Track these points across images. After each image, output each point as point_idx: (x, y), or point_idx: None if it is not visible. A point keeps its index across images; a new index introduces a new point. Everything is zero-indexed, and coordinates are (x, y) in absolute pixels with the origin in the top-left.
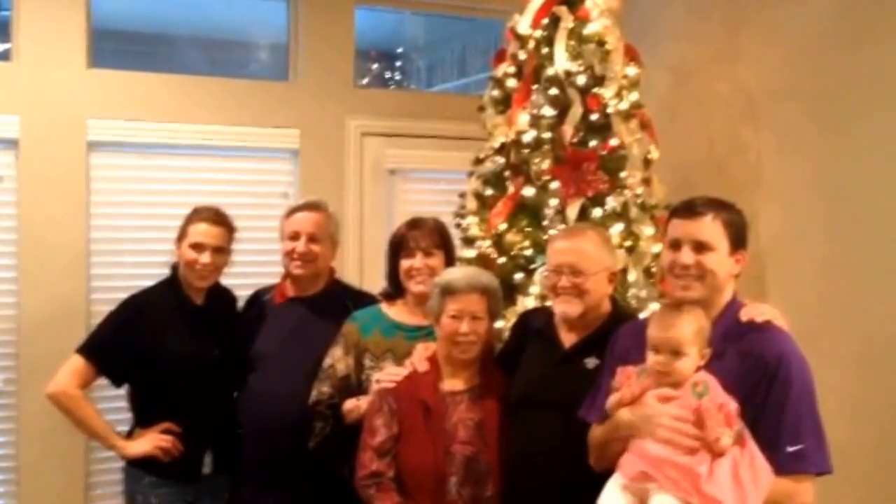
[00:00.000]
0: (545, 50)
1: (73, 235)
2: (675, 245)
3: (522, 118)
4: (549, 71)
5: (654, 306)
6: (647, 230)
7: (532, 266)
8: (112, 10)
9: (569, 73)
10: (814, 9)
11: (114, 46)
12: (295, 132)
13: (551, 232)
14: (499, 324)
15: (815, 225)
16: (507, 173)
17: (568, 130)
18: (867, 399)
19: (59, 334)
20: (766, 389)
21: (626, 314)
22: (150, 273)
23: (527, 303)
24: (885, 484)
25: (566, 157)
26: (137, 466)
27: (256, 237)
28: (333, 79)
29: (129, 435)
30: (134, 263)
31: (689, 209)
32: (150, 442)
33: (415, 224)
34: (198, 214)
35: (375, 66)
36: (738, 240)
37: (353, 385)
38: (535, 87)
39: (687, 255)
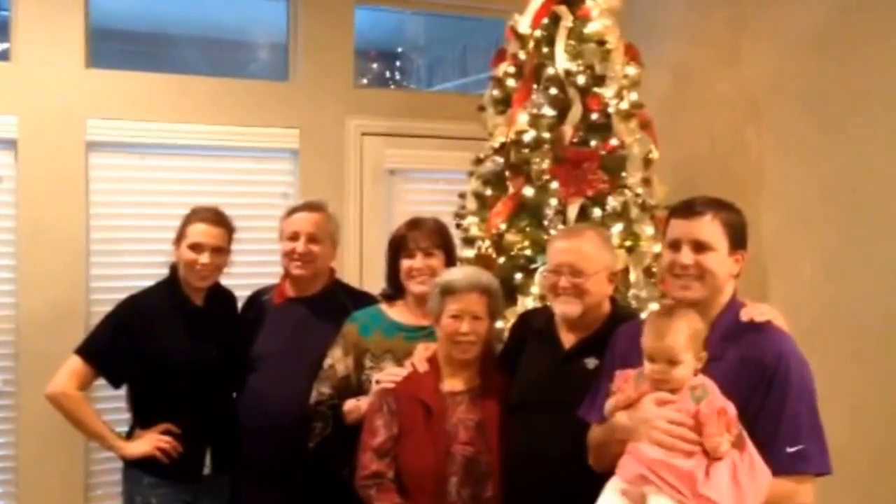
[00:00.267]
0: (545, 49)
1: (72, 236)
2: (675, 245)
3: (522, 118)
4: (550, 70)
5: (655, 306)
6: (648, 230)
7: (532, 266)
8: (111, 10)
9: (569, 73)
10: (815, 8)
11: (113, 46)
12: (294, 132)
13: (552, 232)
14: (499, 324)
15: (817, 225)
16: (507, 173)
17: (568, 130)
18: (868, 400)
19: (59, 335)
20: (766, 390)
21: (627, 314)
22: (150, 273)
23: (527, 303)
24: (885, 485)
25: (566, 156)
26: (137, 467)
27: (256, 237)
28: (333, 78)
29: (129, 436)
30: (133, 264)
31: (688, 209)
32: (150, 443)
33: (415, 224)
34: (197, 215)
35: (375, 65)
36: (738, 240)
37: (353, 385)
38: (535, 86)
39: (686, 255)
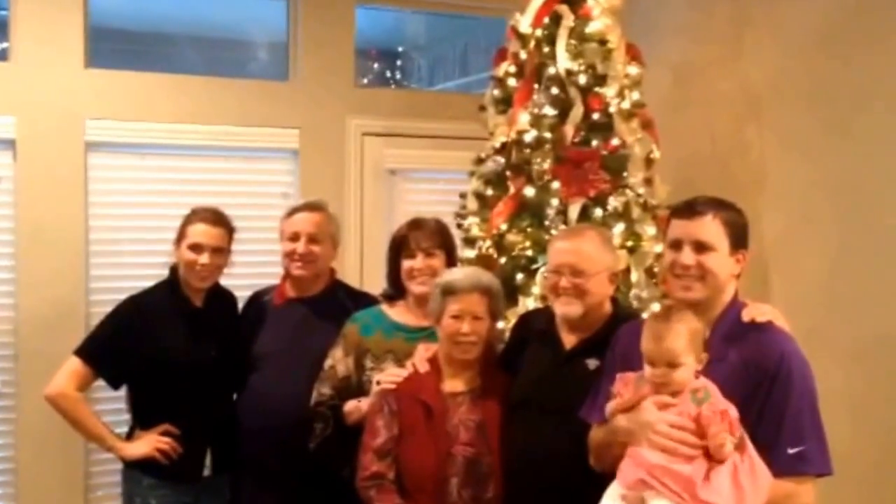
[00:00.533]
0: (546, 49)
1: (71, 236)
2: (676, 245)
3: (523, 117)
4: (551, 70)
5: (657, 307)
6: (649, 230)
7: (533, 266)
8: (110, 10)
9: (570, 72)
10: (817, 7)
11: (112, 46)
12: (295, 132)
13: (553, 232)
14: (500, 324)
15: (818, 224)
16: (508, 173)
17: (569, 130)
18: (870, 400)
19: (58, 335)
20: (768, 390)
21: (628, 315)
22: (149, 274)
23: (528, 303)
24: (887, 485)
25: (567, 156)
26: (136, 468)
27: (256, 238)
28: (333, 78)
29: (129, 436)
30: (132, 264)
31: (689, 209)
32: (149, 444)
33: (416, 224)
34: (196, 215)
35: (376, 65)
36: (739, 239)
37: (354, 386)
38: (536, 86)
39: (687, 256)
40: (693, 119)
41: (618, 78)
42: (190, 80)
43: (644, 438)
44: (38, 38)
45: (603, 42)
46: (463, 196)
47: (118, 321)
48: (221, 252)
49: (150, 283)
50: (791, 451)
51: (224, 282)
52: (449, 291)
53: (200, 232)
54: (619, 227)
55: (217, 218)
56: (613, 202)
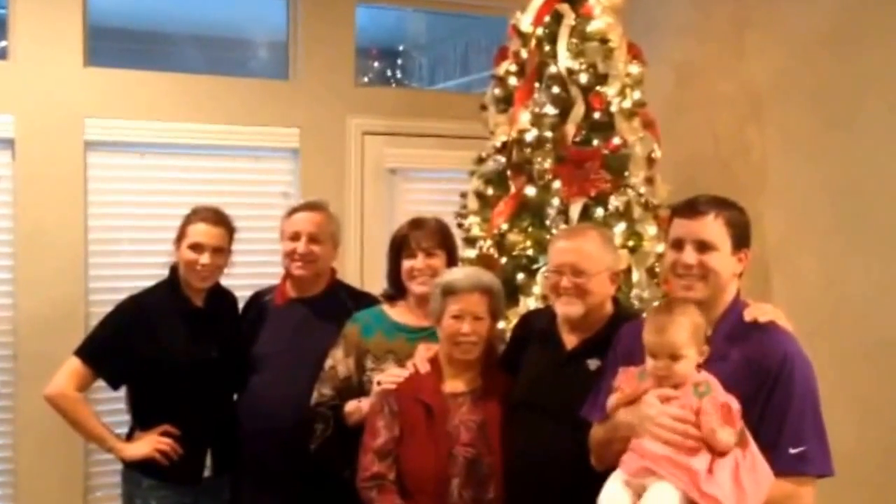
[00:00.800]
0: (547, 48)
1: (70, 236)
2: (678, 245)
3: (524, 117)
4: (552, 69)
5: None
6: (651, 230)
7: (534, 266)
8: (109, 8)
9: (571, 72)
10: (819, 6)
11: (111, 45)
12: (295, 131)
13: (554, 232)
14: (501, 324)
15: (820, 224)
16: (509, 173)
17: (570, 129)
18: (872, 400)
19: (57, 335)
20: (770, 391)
21: (629, 315)
22: (149, 273)
23: (529, 303)
24: (891, 485)
25: (568, 156)
26: (136, 469)
27: (256, 237)
28: (334, 77)
29: (128, 437)
30: (132, 264)
31: (691, 208)
32: (149, 444)
33: (417, 224)
34: (197, 215)
35: (376, 64)
36: (741, 239)
37: (355, 386)
38: (537, 85)
39: (689, 255)
40: (694, 118)
41: (619, 77)
42: (189, 79)
43: (646, 431)
44: (38, 37)
45: (604, 41)
46: (464, 195)
47: (118, 321)
48: (222, 252)
49: (149, 283)
50: (792, 451)
51: (224, 281)
52: (449, 291)
53: (201, 232)
54: (620, 227)
55: (218, 218)
56: (614, 202)
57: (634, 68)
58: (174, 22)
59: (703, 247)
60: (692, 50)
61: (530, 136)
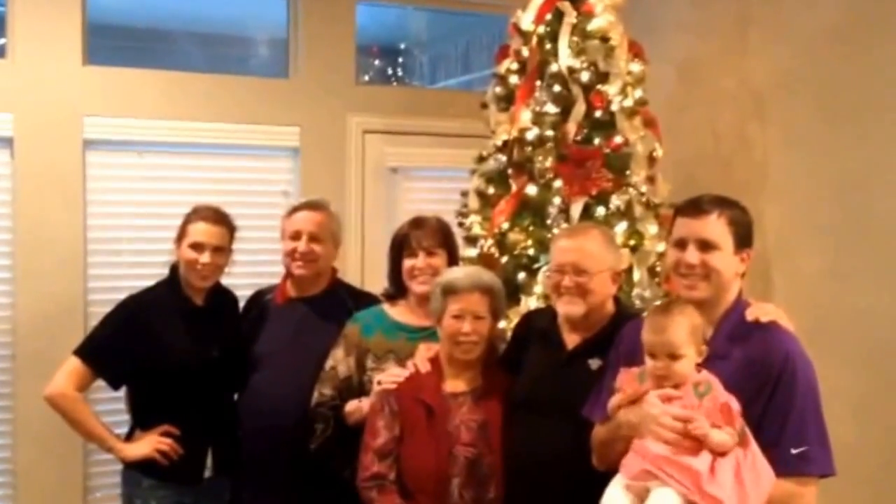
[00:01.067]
0: (548, 46)
1: (69, 235)
2: (681, 244)
3: (525, 115)
4: (553, 67)
5: None
6: (652, 228)
7: (535, 265)
8: (108, 6)
9: (572, 70)
10: (822, 4)
11: (110, 43)
12: (295, 130)
13: (555, 231)
14: (502, 324)
15: (822, 222)
16: (510, 171)
17: (571, 128)
18: (873, 400)
19: (56, 334)
20: (772, 391)
21: (631, 314)
22: (148, 273)
23: (530, 303)
24: (892, 485)
25: (570, 154)
26: (136, 469)
27: (256, 236)
28: (334, 75)
29: (128, 437)
30: (131, 263)
31: (694, 207)
32: (149, 444)
33: (417, 223)
34: (197, 214)
35: (377, 62)
36: (744, 238)
37: (355, 386)
38: (538, 83)
39: (692, 255)
40: (696, 117)
41: (620, 75)
42: (189, 78)
43: (648, 431)
44: (36, 35)
45: (605, 39)
46: (464, 194)
47: (118, 320)
48: (222, 251)
49: (148, 282)
50: (794, 451)
51: (224, 280)
52: (450, 291)
53: (201, 231)
54: (621, 226)
55: (218, 217)
56: (616, 200)
57: (636, 66)
58: (174, 20)
59: (705, 246)
60: (693, 48)
61: (531, 134)
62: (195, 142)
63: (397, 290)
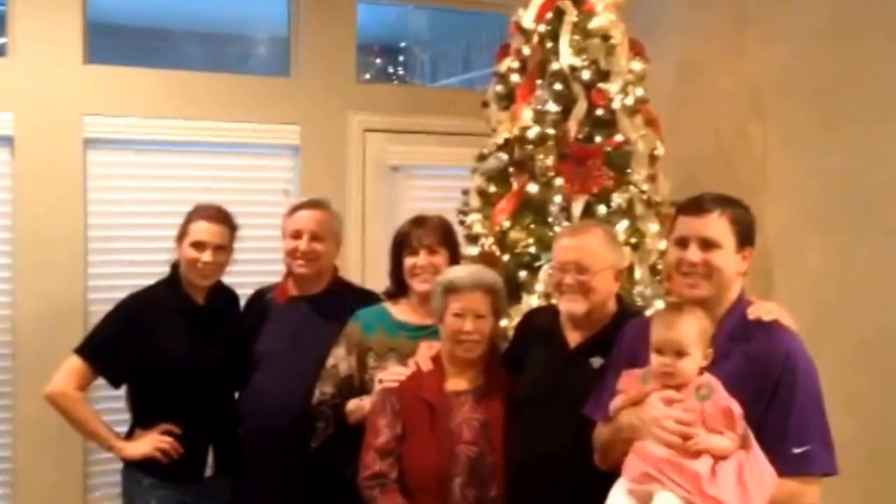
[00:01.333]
0: (549, 44)
1: (69, 234)
2: (682, 242)
3: (527, 114)
4: (554, 66)
5: (660, 304)
6: (653, 227)
7: (537, 264)
8: (109, 5)
9: (573, 68)
10: (820, 3)
11: (111, 42)
12: (296, 128)
13: (556, 229)
14: (503, 322)
15: (822, 221)
16: (511, 170)
17: (573, 126)
18: (874, 399)
19: (56, 333)
20: (773, 390)
21: (632, 313)
22: (149, 272)
23: (532, 301)
24: (891, 482)
25: (571, 153)
26: (136, 468)
27: (257, 235)
28: (335, 74)
29: (129, 436)
30: (132, 262)
31: (696, 206)
32: (150, 443)
33: (419, 221)
34: (199, 212)
35: (378, 60)
36: (746, 237)
37: (357, 385)
38: (539, 82)
39: (694, 253)
40: (696, 115)
41: (621, 74)
42: (190, 76)
43: (650, 434)
44: (37, 34)
45: (606, 38)
46: (465, 193)
47: (119, 319)
48: (224, 250)
49: (149, 281)
50: (796, 450)
51: (225, 279)
52: (451, 289)
53: (203, 230)
54: (622, 224)
55: (220, 215)
56: (617, 199)
57: (637, 65)
58: (174, 18)
59: (707, 245)
60: (694, 47)
61: (532, 133)
62: (196, 140)
63: (399, 288)
